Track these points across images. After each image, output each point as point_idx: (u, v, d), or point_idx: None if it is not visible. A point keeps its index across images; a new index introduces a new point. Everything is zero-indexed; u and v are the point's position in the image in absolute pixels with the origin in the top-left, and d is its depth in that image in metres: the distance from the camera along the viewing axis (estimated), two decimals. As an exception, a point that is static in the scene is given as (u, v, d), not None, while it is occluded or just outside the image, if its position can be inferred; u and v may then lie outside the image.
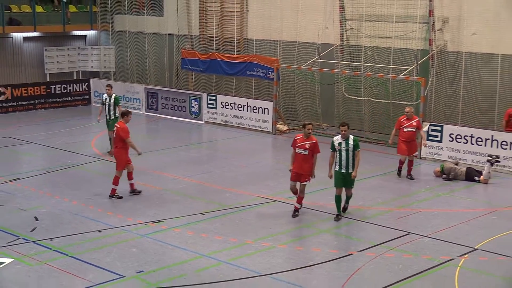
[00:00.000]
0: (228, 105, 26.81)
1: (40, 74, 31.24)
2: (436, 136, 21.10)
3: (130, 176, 17.48)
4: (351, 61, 24.89)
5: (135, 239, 14.35)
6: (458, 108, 22.71)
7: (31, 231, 14.77)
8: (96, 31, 32.88)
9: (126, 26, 32.03)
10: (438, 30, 22.85)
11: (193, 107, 27.87)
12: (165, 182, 18.55)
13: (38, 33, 30.94)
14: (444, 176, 19.28)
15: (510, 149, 19.92)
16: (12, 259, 13.14)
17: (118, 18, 32.43)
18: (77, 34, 32.75)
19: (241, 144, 24.21)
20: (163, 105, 28.76)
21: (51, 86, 30.46)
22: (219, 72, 28.54)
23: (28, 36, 30.90)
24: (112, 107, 21.53)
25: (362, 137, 22.79)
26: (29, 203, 16.75)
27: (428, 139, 20.85)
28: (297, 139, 15.52)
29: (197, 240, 14.29)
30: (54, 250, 13.66)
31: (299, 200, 15.76)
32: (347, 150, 15.08)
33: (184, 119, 27.93)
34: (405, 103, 22.76)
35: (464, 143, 20.80)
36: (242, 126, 26.27)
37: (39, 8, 30.98)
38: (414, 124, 18.91)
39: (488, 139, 20.37)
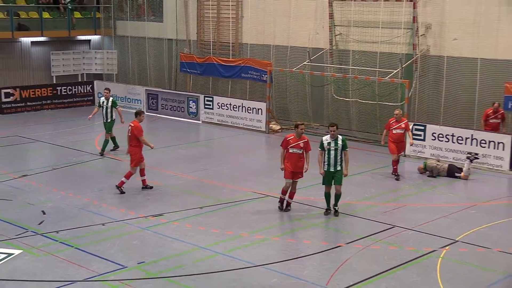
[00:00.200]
0: (224, 106, 26.82)
1: (47, 76, 31.20)
2: (420, 135, 21.15)
3: (142, 173, 17.54)
4: (340, 65, 24.92)
5: (137, 232, 14.36)
6: (440, 108, 22.76)
7: (39, 224, 14.77)
8: (99, 36, 32.84)
9: (128, 31, 31.99)
10: (421, 35, 22.89)
11: (191, 107, 27.87)
12: (165, 178, 18.54)
13: (45, 38, 30.87)
14: (427, 173, 19.33)
15: (489, 147, 20.00)
16: (21, 251, 13.15)
17: (120, 24, 32.39)
18: (82, 39, 32.71)
19: (236, 143, 24.23)
20: (162, 105, 28.75)
21: (57, 88, 30.43)
22: (215, 75, 28.54)
23: (36, 40, 30.84)
24: (109, 110, 21.36)
25: (350, 136, 22.85)
26: (37, 198, 16.74)
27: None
28: (289, 139, 15.34)
29: (195, 233, 14.30)
30: (60, 242, 13.67)
31: (292, 196, 15.74)
32: (335, 150, 15.00)
33: (183, 119, 27.93)
34: (391, 104, 22.84)
35: (445, 141, 20.85)
36: (237, 125, 26.28)
37: (46, 15, 30.94)
38: (403, 126, 18.89)
39: (468, 138, 20.43)
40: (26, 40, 30.66)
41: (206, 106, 27.38)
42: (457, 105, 22.43)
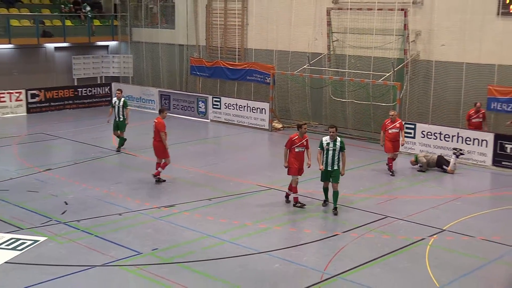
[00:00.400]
0: (230, 106, 26.81)
1: (69, 79, 31.22)
2: (410, 133, 21.10)
3: (158, 166, 17.57)
4: (337, 68, 24.88)
5: (151, 221, 14.38)
6: (429, 109, 22.73)
7: (62, 214, 14.81)
8: (117, 41, 32.85)
9: (142, 38, 31.99)
10: (411, 41, 22.84)
11: (200, 107, 27.87)
12: (177, 172, 18.55)
13: (67, 43, 30.89)
14: (419, 165, 19.31)
15: (473, 144, 19.98)
16: (46, 238, 13.20)
17: (135, 31, 32.40)
18: (101, 45, 32.71)
19: (241, 140, 24.23)
20: (174, 105, 28.75)
21: (78, 89, 30.47)
22: (223, 77, 28.53)
23: (59, 46, 30.85)
24: (121, 110, 21.20)
25: (346, 134, 22.83)
26: (60, 190, 16.77)
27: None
28: (295, 139, 15.13)
29: (204, 222, 14.31)
30: (81, 230, 13.70)
31: (296, 190, 15.57)
32: (333, 150, 14.80)
33: (193, 118, 27.93)
34: (384, 104, 22.84)
35: (434, 139, 20.82)
36: (242, 124, 26.27)
37: (68, 22, 30.98)
38: (398, 125, 18.77)
39: (455, 135, 20.40)
40: (50, 45, 30.68)
41: (214, 106, 27.38)
42: (444, 106, 22.40)
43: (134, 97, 30.31)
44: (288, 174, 15.39)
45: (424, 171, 19.10)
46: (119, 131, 21.33)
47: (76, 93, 30.32)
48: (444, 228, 14.09)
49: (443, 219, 14.72)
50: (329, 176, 15.03)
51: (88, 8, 31.86)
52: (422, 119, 22.38)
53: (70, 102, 30.10)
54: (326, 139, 14.94)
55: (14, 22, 29.10)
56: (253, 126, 25.88)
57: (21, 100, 28.51)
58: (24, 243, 12.88)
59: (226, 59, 28.53)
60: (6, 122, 26.76)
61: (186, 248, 12.78)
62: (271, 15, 26.78)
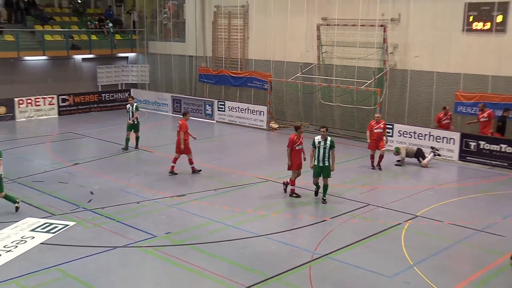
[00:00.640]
0: (233, 109, 26.79)
1: (94, 85, 31.17)
2: (389, 132, 21.00)
3: (175, 161, 17.61)
4: (326, 76, 24.85)
5: (165, 209, 14.39)
6: (405, 111, 22.72)
7: (88, 202, 14.83)
8: (135, 53, 32.78)
9: (157, 50, 31.94)
10: (390, 53, 22.82)
11: (207, 110, 27.84)
12: (187, 166, 18.49)
13: (92, 55, 30.84)
14: (397, 160, 19.27)
15: (442, 142, 20.00)
16: (75, 222, 13.24)
17: (151, 44, 32.34)
18: (121, 56, 32.64)
19: (243, 138, 24.21)
20: (185, 108, 28.71)
21: (102, 94, 30.40)
22: (227, 84, 28.49)
23: (86, 57, 30.81)
24: (134, 114, 21.02)
25: (334, 133, 22.82)
26: (86, 181, 16.79)
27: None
28: (295, 139, 15.01)
29: (211, 210, 14.33)
30: (105, 216, 13.71)
31: (293, 183, 15.45)
32: (324, 148, 14.64)
33: (201, 119, 27.90)
34: (366, 107, 22.84)
35: (409, 137, 20.82)
36: (244, 124, 26.25)
37: (93, 37, 30.91)
38: (382, 126, 18.70)
39: (427, 134, 20.40)
40: (78, 57, 30.64)
41: (219, 109, 27.35)
42: (418, 109, 22.39)
43: (150, 101, 30.28)
44: (289, 169, 15.32)
45: (401, 165, 19.10)
46: (133, 131, 21.13)
47: (100, 97, 30.27)
48: (417, 214, 14.11)
49: (417, 206, 14.74)
50: (320, 171, 14.85)
51: (111, 25, 31.81)
52: (399, 120, 22.37)
53: (95, 105, 30.06)
54: (318, 138, 14.81)
55: (47, 37, 29.07)
56: (253, 126, 25.85)
57: (53, 104, 28.47)
58: (56, 227, 12.92)
59: (230, 68, 28.51)
60: (40, 123, 26.75)
61: (195, 232, 12.80)
62: (268, 30, 26.75)
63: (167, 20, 31.61)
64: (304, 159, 15.27)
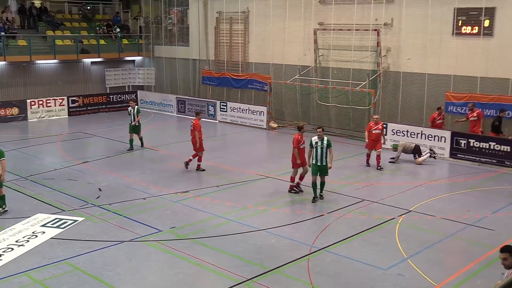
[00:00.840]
0: (235, 109, 26.69)
1: (102, 87, 31.07)
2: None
3: (200, 159, 17.61)
4: (322, 78, 24.75)
5: (169, 205, 14.30)
6: (398, 111, 22.60)
7: (96, 198, 14.73)
8: (141, 57, 32.69)
9: (162, 53, 31.84)
10: (383, 56, 22.71)
11: (210, 110, 27.74)
12: (191, 164, 18.43)
13: (101, 58, 30.72)
14: (390, 157, 19.14)
15: (434, 140, 19.89)
16: (84, 218, 13.14)
17: (157, 48, 32.25)
18: (128, 59, 32.54)
19: (244, 137, 24.13)
20: (189, 109, 28.63)
21: (110, 96, 30.33)
22: (228, 86, 28.40)
23: (94, 61, 30.70)
24: (135, 116, 20.80)
25: (330, 132, 22.71)
26: (94, 178, 16.69)
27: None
28: (299, 138, 14.90)
29: (213, 205, 14.23)
30: (113, 212, 13.62)
31: (293, 180, 15.33)
32: (321, 148, 14.48)
33: (204, 119, 27.65)
34: (361, 108, 22.73)
35: (402, 136, 20.69)
36: (245, 124, 26.15)
37: (102, 41, 30.83)
38: (380, 127, 18.56)
39: (419, 133, 20.29)
40: (87, 60, 30.52)
41: (221, 109, 27.25)
42: (410, 109, 22.28)
43: (155, 102, 30.19)
44: (294, 167, 15.16)
45: (394, 162, 18.98)
46: (135, 133, 20.93)
47: (108, 99, 30.18)
48: (411, 209, 14.00)
49: (410, 202, 14.64)
50: (318, 170, 14.66)
51: (118, 30, 31.72)
52: (392, 119, 22.25)
53: (103, 106, 29.96)
54: (314, 138, 14.62)
55: (58, 42, 29.00)
56: (253, 126, 25.74)
57: (63, 105, 28.40)
58: (66, 222, 12.81)
59: (231, 70, 28.40)
60: (51, 123, 26.67)
61: (198, 226, 12.70)
62: (268, 34, 26.64)
63: (172, 26, 31.52)
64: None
